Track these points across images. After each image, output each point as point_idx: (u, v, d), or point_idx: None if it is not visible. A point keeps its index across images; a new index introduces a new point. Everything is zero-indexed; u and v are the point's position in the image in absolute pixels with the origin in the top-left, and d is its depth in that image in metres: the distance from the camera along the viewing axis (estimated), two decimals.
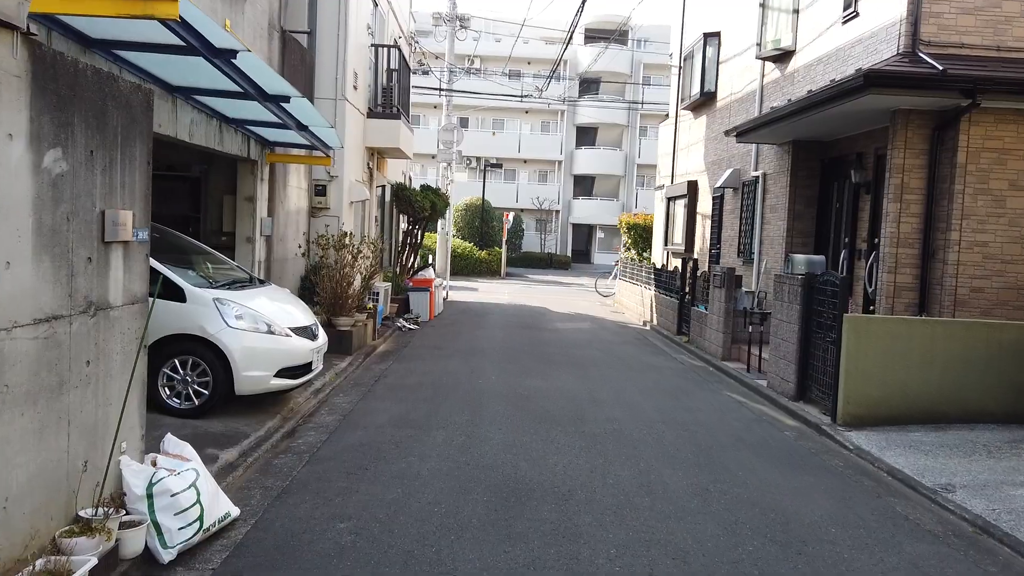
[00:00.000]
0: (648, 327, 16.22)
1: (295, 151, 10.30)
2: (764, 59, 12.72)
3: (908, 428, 7.48)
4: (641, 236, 21.65)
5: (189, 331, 6.29)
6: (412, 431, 6.70)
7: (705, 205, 16.09)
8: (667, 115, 20.79)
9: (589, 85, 46.61)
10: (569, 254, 44.24)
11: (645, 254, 21.74)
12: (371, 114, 14.01)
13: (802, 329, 8.53)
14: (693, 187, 16.81)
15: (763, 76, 13.03)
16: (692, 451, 6.53)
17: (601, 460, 6.06)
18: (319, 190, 12.21)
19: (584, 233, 47.92)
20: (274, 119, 7.89)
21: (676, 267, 15.19)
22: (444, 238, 24.41)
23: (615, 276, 23.09)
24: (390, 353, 11.12)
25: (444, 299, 19.01)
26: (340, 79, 12.14)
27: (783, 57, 12.16)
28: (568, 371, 10.15)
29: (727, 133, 12.49)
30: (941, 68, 7.97)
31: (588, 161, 46.08)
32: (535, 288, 26.23)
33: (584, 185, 47.43)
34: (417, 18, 25.43)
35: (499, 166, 37.70)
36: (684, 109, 17.61)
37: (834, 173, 11.48)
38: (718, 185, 14.69)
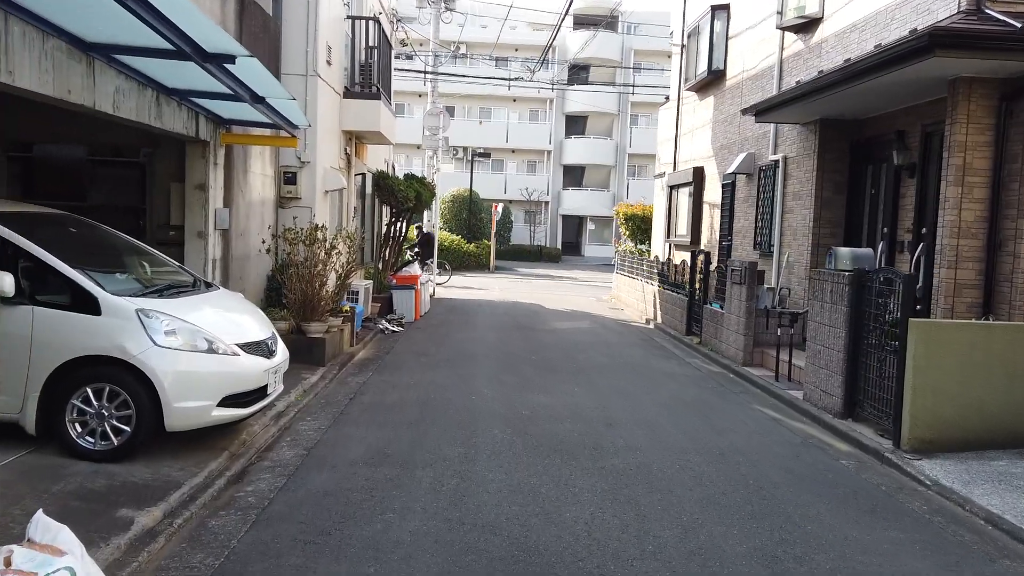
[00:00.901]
0: (652, 326, 14.97)
1: (256, 131, 8.90)
2: (785, 29, 11.43)
3: (988, 455, 6.24)
4: (639, 227, 20.39)
5: (104, 351, 4.93)
6: (391, 471, 5.39)
7: (713, 193, 14.84)
8: (667, 98, 19.50)
9: (578, 72, 45.23)
10: (559, 246, 43.02)
11: (642, 246, 20.50)
12: (348, 94, 12.62)
13: (850, 335, 7.28)
14: (699, 174, 15.55)
15: (782, 49, 11.75)
16: (740, 493, 5.26)
17: (633, 513, 4.77)
18: (288, 178, 10.83)
19: (574, 225, 46.63)
20: (224, 89, 6.53)
21: (684, 261, 13.92)
22: (431, 231, 23.03)
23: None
24: (370, 362, 9.79)
25: (431, 296, 17.70)
26: (311, 52, 10.75)
27: (808, 26, 10.88)
28: (573, 381, 8.86)
29: (744, 112, 11.21)
30: (1020, 25, 6.72)
31: (578, 151, 44.76)
32: (526, 283, 24.94)
33: (574, 175, 46.13)
34: (400, 5, 24.04)
35: (487, 155, 36.35)
36: (688, 90, 16.32)
37: (867, 155, 10.23)
38: (729, 171, 13.43)
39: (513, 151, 44.37)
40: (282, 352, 6.14)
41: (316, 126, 10.88)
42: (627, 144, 44.42)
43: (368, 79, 12.99)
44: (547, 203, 44.08)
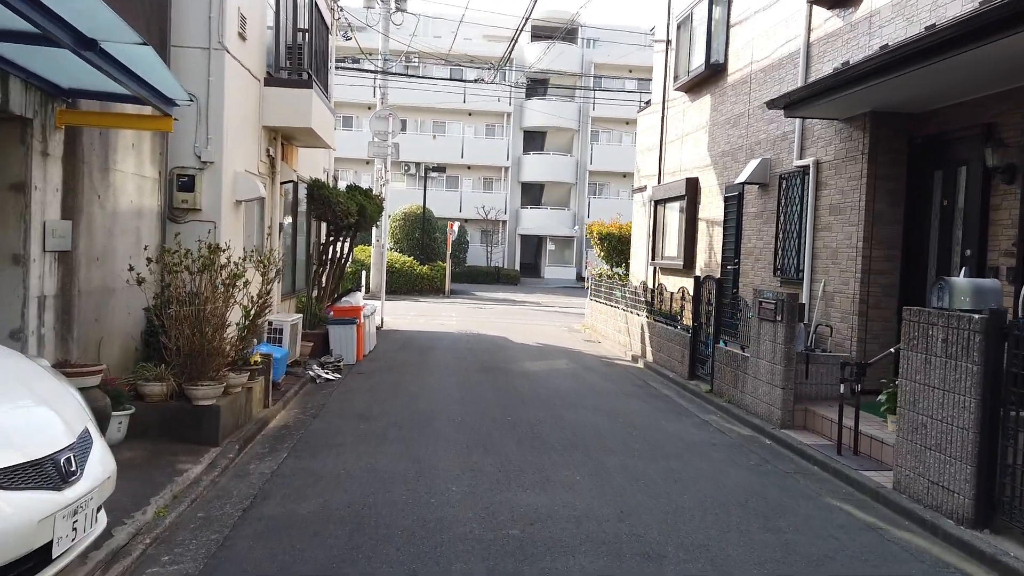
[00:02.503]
0: (641, 364, 12.61)
1: (121, 108, 6.29)
2: (816, 3, 9.29)
3: None
4: (616, 248, 18.13)
5: None
6: None
7: (712, 208, 12.62)
8: (647, 103, 17.38)
9: (536, 87, 43.27)
10: (518, 268, 40.66)
11: (618, 270, 18.26)
12: (271, 81, 10.05)
13: (985, 405, 4.99)
14: (693, 186, 13.35)
15: (810, 30, 9.62)
16: None
17: None
18: (183, 183, 8.19)
19: (533, 245, 44.42)
20: (24, 25, 3.97)
21: (683, 288, 11.63)
22: (380, 251, 20.46)
23: None
24: (288, 433, 7.14)
25: (378, 328, 15.08)
26: (216, 18, 8.20)
27: None
28: (573, 463, 6.38)
29: (770, 105, 8.99)
30: None
31: (536, 167, 42.62)
32: (486, 310, 22.45)
33: (532, 193, 43.98)
34: (349, 10, 21.61)
35: (442, 170, 33.83)
36: (677, 90, 14.16)
37: (934, 157, 8.09)
38: (736, 182, 11.22)
39: (469, 167, 42.02)
40: (98, 470, 3.49)
41: (223, 115, 8.32)
42: (588, 161, 42.51)
43: (298, 63, 10.45)
44: (504, 222, 41.78)
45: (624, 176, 42.81)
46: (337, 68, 21.07)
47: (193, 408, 6.28)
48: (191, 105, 6.87)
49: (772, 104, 8.94)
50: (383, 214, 15.85)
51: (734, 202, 11.65)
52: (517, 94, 41.46)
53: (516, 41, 23.18)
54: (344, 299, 12.20)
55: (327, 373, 10.15)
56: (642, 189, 16.48)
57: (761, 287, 10.50)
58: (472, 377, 10.55)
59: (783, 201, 10.12)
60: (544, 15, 40.07)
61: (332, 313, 11.93)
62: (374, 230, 22.21)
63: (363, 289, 23.96)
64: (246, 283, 7.19)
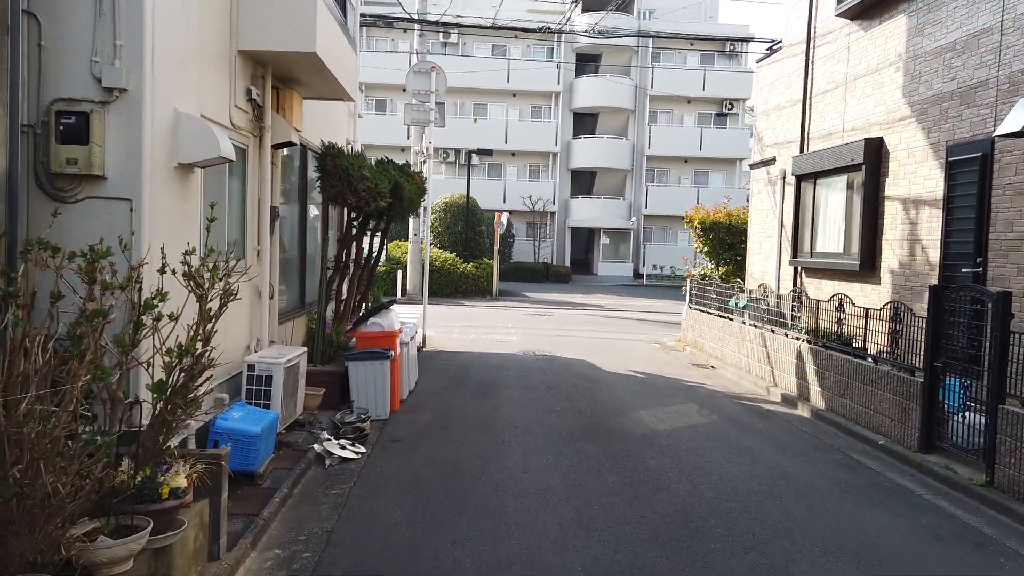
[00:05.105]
0: (804, 412, 8.55)
1: None
2: None
3: None
4: (724, 241, 14.02)
5: None
6: None
7: (916, 180, 8.49)
8: (770, 49, 13.25)
9: (586, 64, 39.09)
10: (568, 264, 36.60)
11: (723, 269, 14.17)
12: None
13: None
14: (875, 150, 9.22)
15: None
16: None
17: None
18: (69, 127, 4.43)
19: (584, 238, 40.27)
20: None
21: (898, 303, 7.52)
22: (418, 247, 16.62)
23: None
24: None
25: (419, 348, 11.26)
26: None
27: None
28: None
29: None
30: None
31: (588, 153, 38.37)
32: (546, 317, 18.47)
33: (583, 182, 39.83)
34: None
35: (489, 153, 29.88)
36: (840, 16, 10.02)
37: None
38: (998, 133, 7.12)
39: (513, 154, 38.01)
40: None
41: (144, 15, 4.53)
42: (645, 145, 38.17)
43: None
44: (553, 213, 37.69)
45: (686, 161, 38.52)
46: (364, 22, 17.16)
47: None
48: None
49: None
50: (424, 197, 11.96)
51: (972, 168, 7.52)
52: (566, 71, 37.39)
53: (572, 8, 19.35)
54: (372, 320, 8.33)
55: (343, 448, 6.29)
56: (768, 162, 12.36)
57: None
58: (575, 451, 6.60)
59: None
60: None
61: (354, 341, 8.10)
62: (411, 221, 18.40)
63: (399, 293, 20.16)
64: (157, 319, 3.35)
